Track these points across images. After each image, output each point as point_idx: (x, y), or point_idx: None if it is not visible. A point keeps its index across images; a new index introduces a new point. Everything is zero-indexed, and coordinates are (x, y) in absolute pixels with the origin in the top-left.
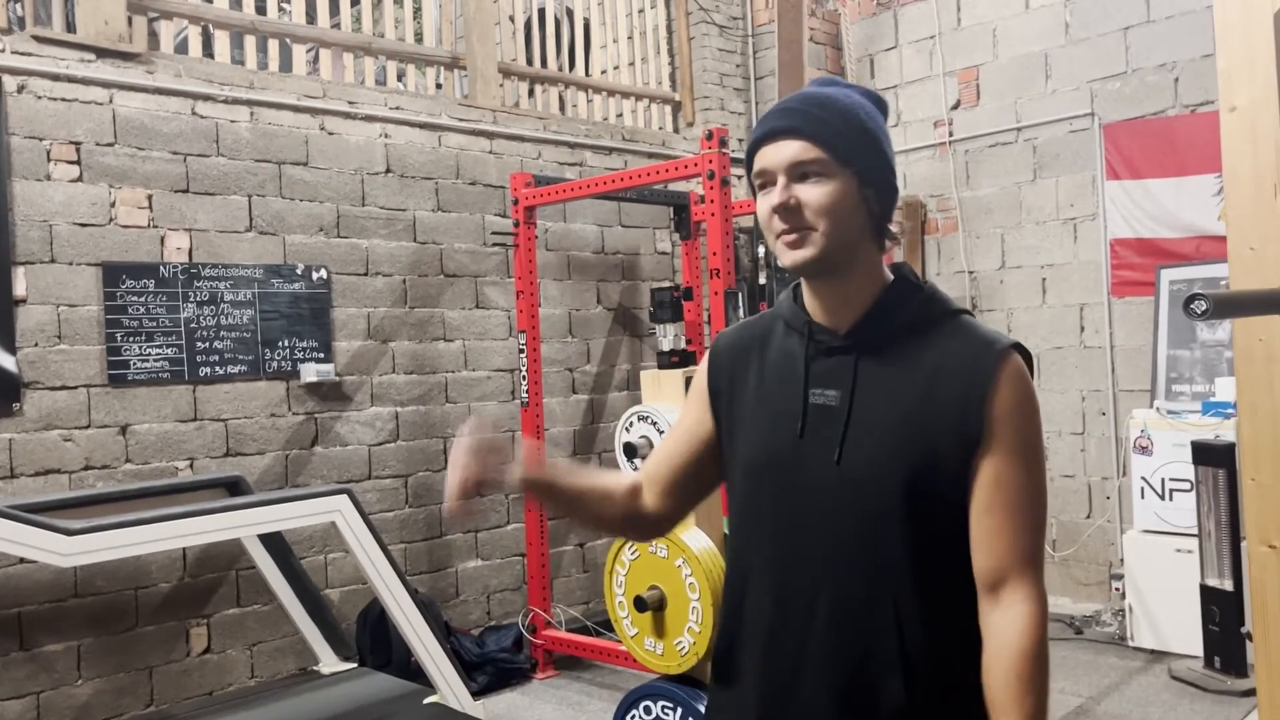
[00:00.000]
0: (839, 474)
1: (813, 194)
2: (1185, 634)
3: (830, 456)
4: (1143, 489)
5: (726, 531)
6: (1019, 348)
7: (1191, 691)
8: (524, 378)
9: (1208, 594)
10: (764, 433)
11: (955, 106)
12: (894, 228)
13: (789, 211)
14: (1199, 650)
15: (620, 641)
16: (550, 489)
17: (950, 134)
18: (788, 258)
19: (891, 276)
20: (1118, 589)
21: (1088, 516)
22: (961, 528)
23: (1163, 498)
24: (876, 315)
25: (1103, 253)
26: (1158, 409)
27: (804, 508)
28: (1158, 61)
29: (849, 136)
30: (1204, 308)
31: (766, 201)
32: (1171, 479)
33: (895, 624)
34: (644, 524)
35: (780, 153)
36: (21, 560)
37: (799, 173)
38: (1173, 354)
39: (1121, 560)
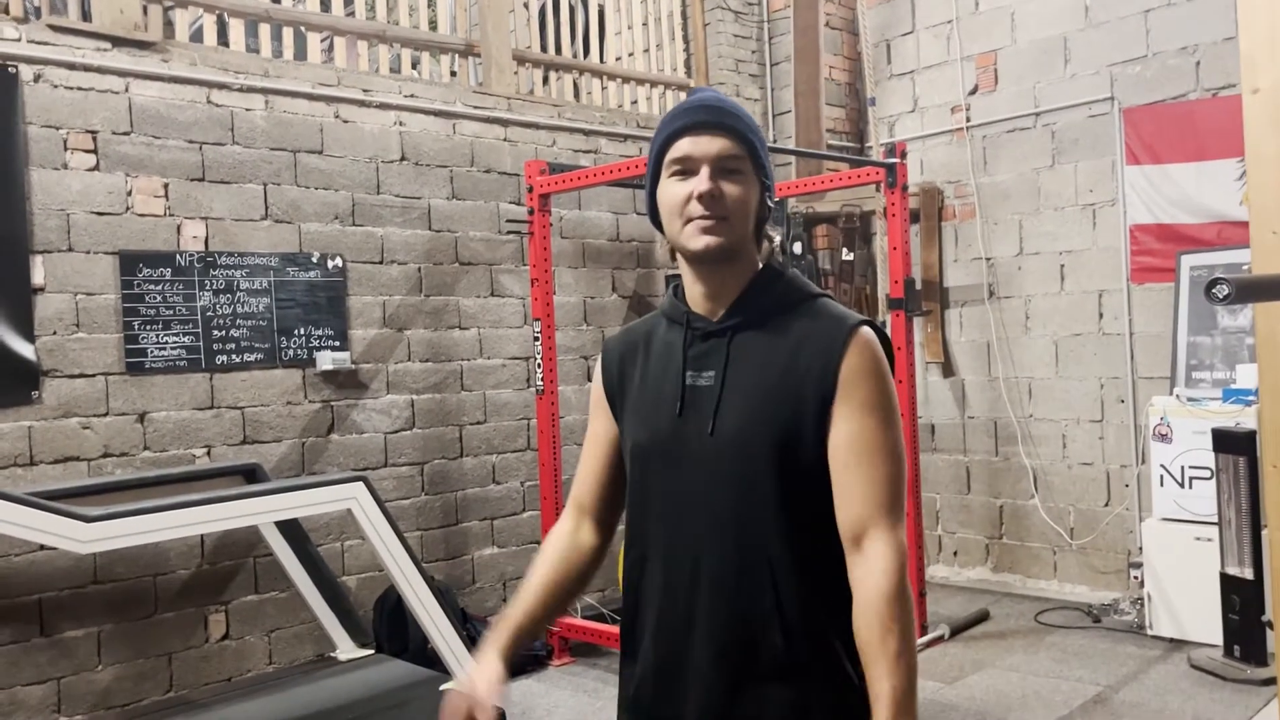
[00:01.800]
0: (713, 445)
1: (733, 188)
2: (1205, 622)
3: (706, 429)
4: (1162, 477)
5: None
6: (870, 323)
7: (1211, 680)
8: (539, 365)
9: (1228, 582)
10: (648, 417)
11: (973, 92)
12: (771, 230)
13: (713, 200)
14: (1218, 639)
15: None
16: (527, 636)
17: (968, 119)
18: (700, 241)
19: (760, 267)
20: (1136, 577)
21: (1106, 504)
22: (826, 490)
23: (1182, 485)
24: (746, 300)
25: (1122, 239)
26: (1178, 396)
27: (686, 482)
28: (1178, 45)
29: (761, 144)
30: (1226, 292)
31: (685, 187)
32: (1191, 466)
33: (771, 584)
34: (600, 556)
35: (709, 145)
36: (42, 547)
37: (723, 167)
38: (1193, 340)
39: (1140, 548)
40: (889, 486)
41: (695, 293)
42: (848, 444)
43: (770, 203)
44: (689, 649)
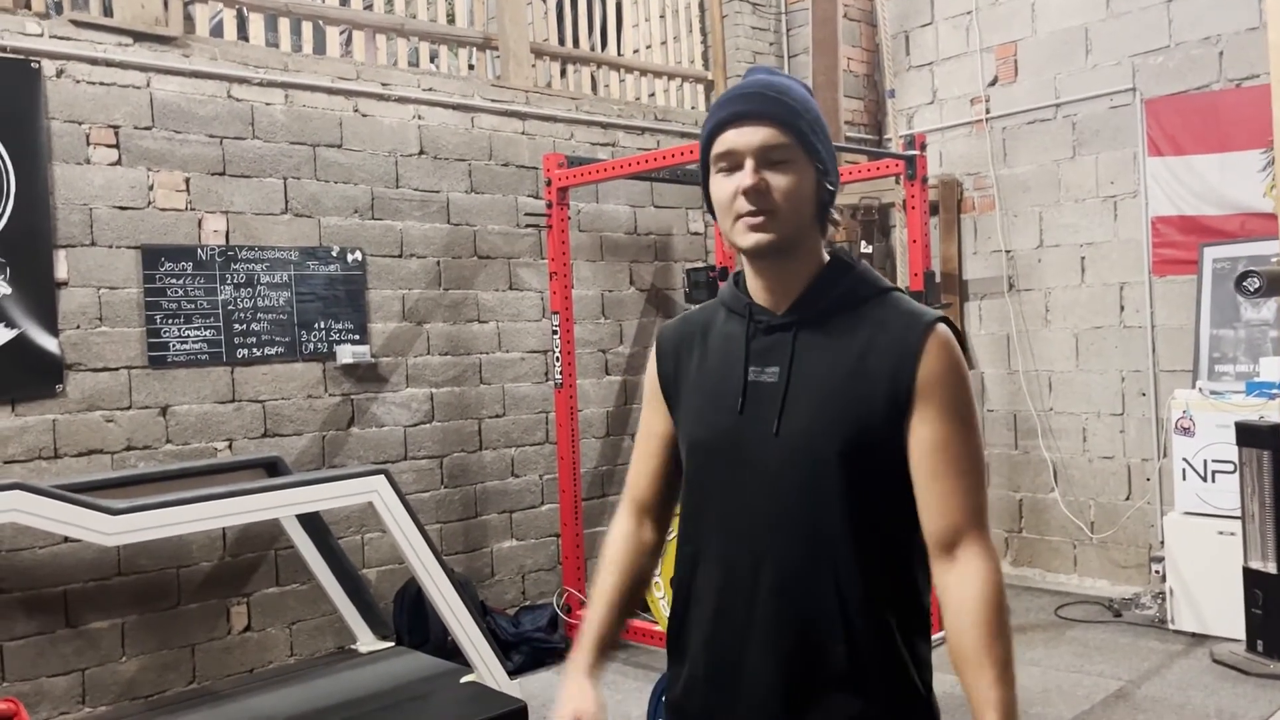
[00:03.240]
0: (778, 445)
1: (780, 179)
2: (1227, 617)
3: (770, 429)
4: (1184, 470)
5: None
6: (946, 320)
7: (1233, 675)
8: (557, 359)
9: (1250, 577)
10: (707, 411)
11: (992, 83)
12: (836, 216)
13: (759, 194)
14: (1241, 634)
15: (655, 622)
16: (609, 649)
17: (987, 111)
18: (749, 239)
19: (827, 258)
20: (1158, 571)
21: (1127, 498)
22: (896, 495)
23: (1205, 479)
24: (813, 294)
25: (1144, 231)
26: (1200, 389)
27: (747, 481)
28: (1201, 35)
29: (812, 127)
30: (1258, 285)
31: (731, 182)
32: (1214, 460)
33: (835, 590)
34: (660, 551)
35: (750, 136)
36: (67, 539)
37: (768, 158)
38: (1216, 333)
39: (1162, 542)
40: (980, 495)
41: (757, 285)
42: (934, 451)
43: (830, 186)
44: (745, 654)
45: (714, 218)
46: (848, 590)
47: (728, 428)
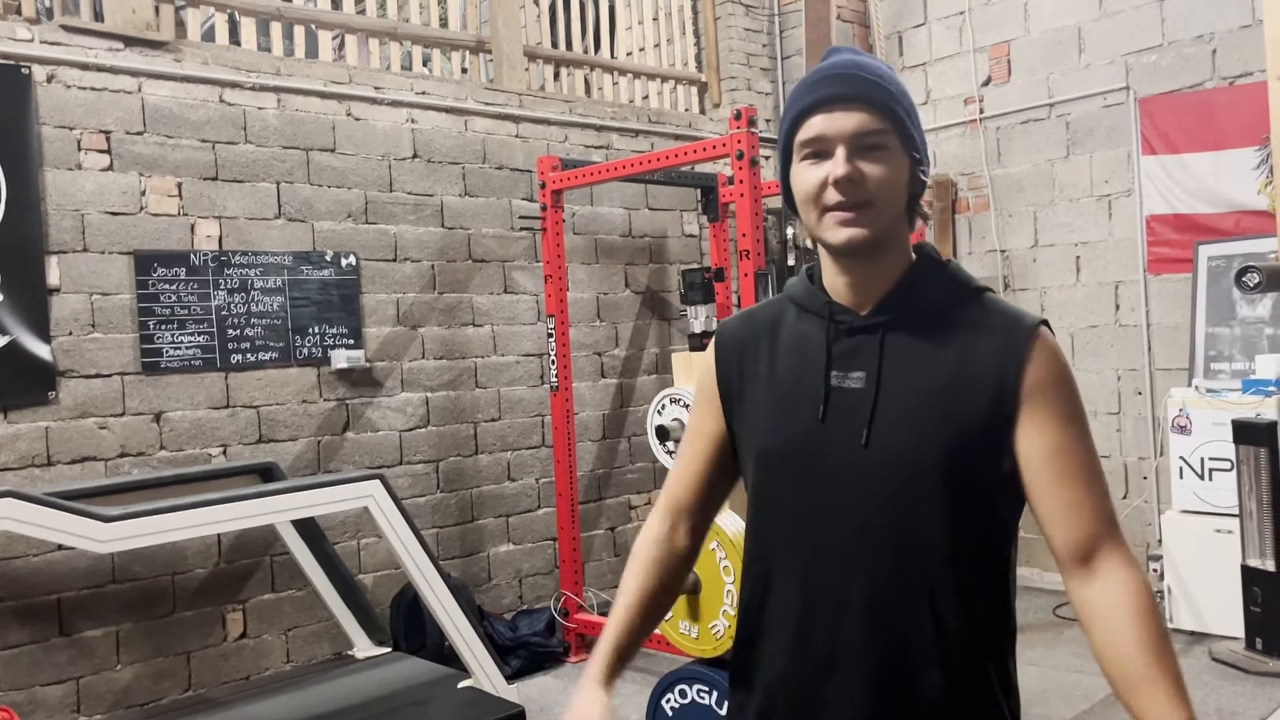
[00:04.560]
0: (868, 458)
1: (875, 169)
2: (1226, 615)
3: (857, 440)
4: (1181, 469)
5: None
6: (1047, 324)
7: (1233, 673)
8: (553, 362)
9: (1249, 574)
10: (782, 419)
11: (986, 83)
12: (925, 208)
13: (852, 185)
14: (1240, 632)
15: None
16: (628, 657)
17: (981, 111)
18: (840, 235)
19: (914, 256)
20: (1155, 570)
21: (1124, 497)
22: (994, 510)
23: (1202, 478)
24: (902, 293)
25: (1138, 229)
26: (1196, 387)
27: (830, 495)
28: (1194, 33)
29: (908, 112)
30: (1257, 280)
31: (819, 172)
32: (1211, 458)
33: (932, 613)
34: (693, 561)
35: (843, 121)
36: (60, 547)
37: (862, 144)
38: (1211, 331)
39: (1159, 541)
40: (1108, 500)
41: (838, 283)
42: (1055, 457)
43: (924, 177)
44: (830, 685)
45: (792, 211)
46: (944, 612)
47: (808, 438)
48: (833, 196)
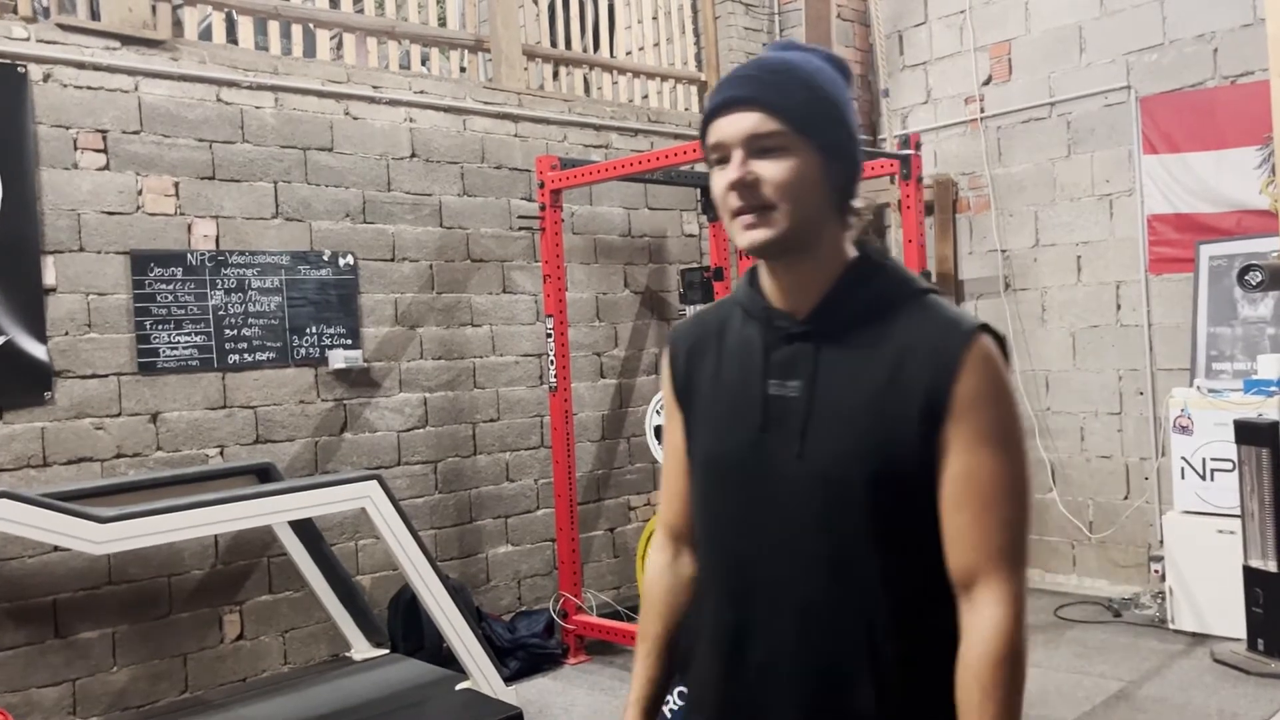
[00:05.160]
0: (801, 469)
1: (771, 170)
2: (1227, 616)
3: (792, 451)
4: (1183, 469)
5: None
6: (988, 329)
7: (1234, 674)
8: (551, 362)
9: (1251, 575)
10: (722, 428)
11: (986, 82)
12: (859, 203)
13: (746, 188)
14: (1242, 633)
15: None
16: (660, 699)
17: (982, 110)
18: (745, 238)
19: (854, 254)
20: (1157, 571)
21: (1125, 498)
22: (932, 523)
23: (1204, 478)
24: (837, 297)
25: (1140, 229)
26: (1198, 387)
27: (766, 506)
28: (1195, 32)
29: (810, 105)
30: (1260, 279)
31: (722, 177)
32: (1213, 459)
33: (865, 627)
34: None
35: (736, 125)
36: (56, 548)
37: (757, 146)
38: (1213, 331)
39: (1161, 542)
40: (1009, 531)
41: (772, 285)
42: (963, 481)
43: (845, 170)
44: (762, 698)
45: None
46: (877, 629)
47: (747, 445)
48: (734, 201)
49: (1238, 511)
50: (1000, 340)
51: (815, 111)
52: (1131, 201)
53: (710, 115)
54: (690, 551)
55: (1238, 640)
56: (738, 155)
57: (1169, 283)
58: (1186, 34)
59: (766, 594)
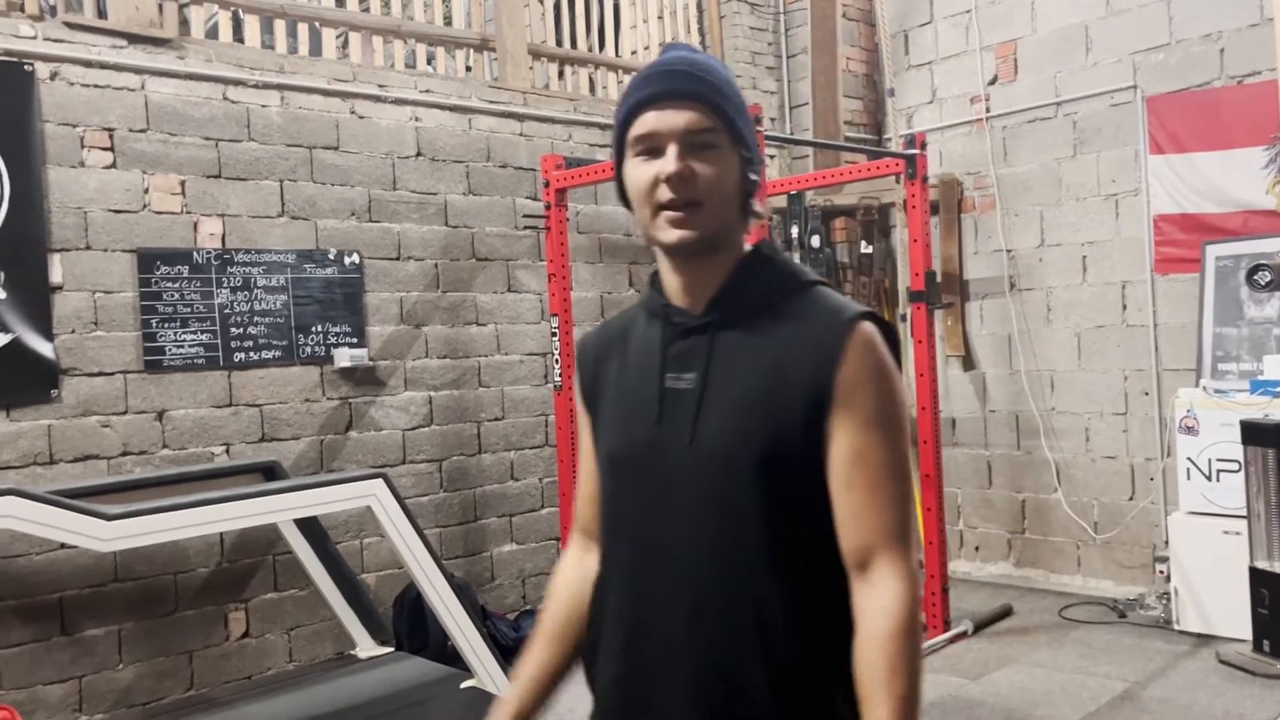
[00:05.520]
0: (694, 458)
1: (707, 167)
2: (1233, 617)
3: (684, 438)
4: (1188, 470)
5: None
6: (872, 316)
7: (1240, 676)
8: (556, 361)
9: (1257, 576)
10: (623, 423)
11: (992, 82)
12: (759, 207)
13: (683, 182)
14: (1247, 634)
15: None
16: (546, 693)
17: (987, 110)
18: (671, 234)
19: (746, 250)
20: (1162, 572)
21: (1130, 498)
22: (822, 508)
23: (1209, 479)
24: (730, 290)
25: (1146, 229)
26: (1204, 388)
27: (662, 498)
28: (1202, 32)
29: (736, 108)
30: (1269, 279)
31: (650, 169)
32: (1219, 459)
33: (755, 616)
34: None
35: (675, 118)
36: (63, 545)
37: (693, 142)
38: (1219, 332)
39: (1166, 542)
40: (898, 510)
41: (674, 283)
42: (848, 461)
43: (754, 176)
44: (657, 690)
45: (626, 207)
46: (768, 615)
47: (643, 439)
48: (665, 194)
49: (1243, 512)
50: (885, 326)
51: (740, 114)
52: (1137, 201)
53: (641, 105)
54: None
55: (1243, 641)
56: (674, 149)
57: (1175, 283)
58: (1193, 34)
59: (661, 585)
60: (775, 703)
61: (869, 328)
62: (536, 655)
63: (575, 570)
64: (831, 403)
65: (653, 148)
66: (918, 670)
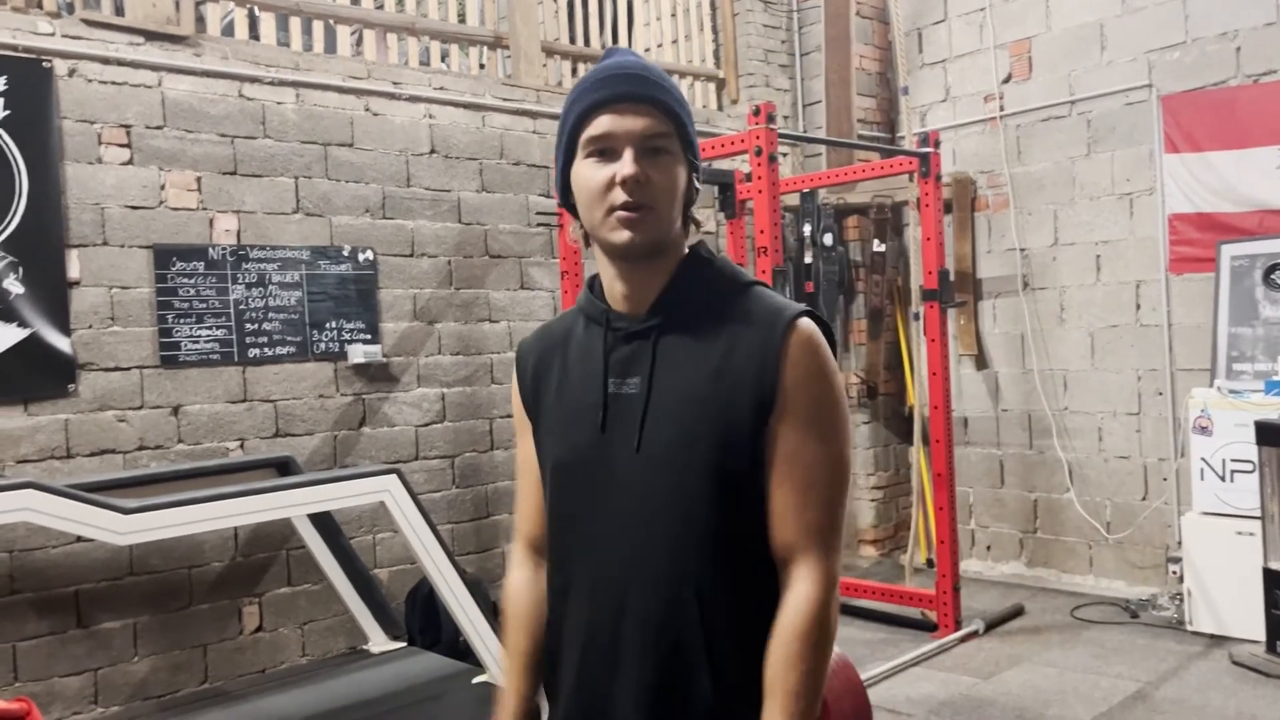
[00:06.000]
0: (641, 462)
1: (660, 172)
2: (1246, 618)
3: (630, 445)
4: (1202, 470)
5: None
6: (811, 315)
7: (1253, 677)
8: None
9: (1270, 577)
10: (567, 431)
11: (1006, 80)
12: (698, 215)
13: (639, 186)
14: (1260, 635)
15: None
16: (536, 713)
17: (1001, 108)
18: (621, 235)
19: (684, 254)
20: (1175, 572)
21: (1143, 499)
22: (768, 509)
23: (1223, 479)
24: (671, 294)
25: (1160, 228)
26: (1219, 388)
27: (609, 504)
28: (1218, 30)
29: (689, 116)
30: None
31: (605, 171)
32: (1233, 460)
33: (699, 616)
34: None
35: (631, 122)
36: (79, 539)
37: (648, 146)
38: (1234, 332)
39: (1179, 543)
40: (825, 510)
41: (615, 288)
42: (786, 462)
43: (698, 184)
44: (613, 693)
45: (568, 209)
46: (714, 621)
47: (588, 447)
48: (619, 196)
49: (1258, 513)
50: (823, 325)
51: (690, 121)
52: (1152, 201)
53: (595, 106)
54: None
55: (1257, 643)
56: (629, 153)
57: (1190, 282)
58: (1209, 32)
59: (612, 589)
60: (720, 704)
61: (807, 324)
62: (519, 689)
63: (532, 590)
64: (773, 402)
65: (607, 149)
66: (818, 667)
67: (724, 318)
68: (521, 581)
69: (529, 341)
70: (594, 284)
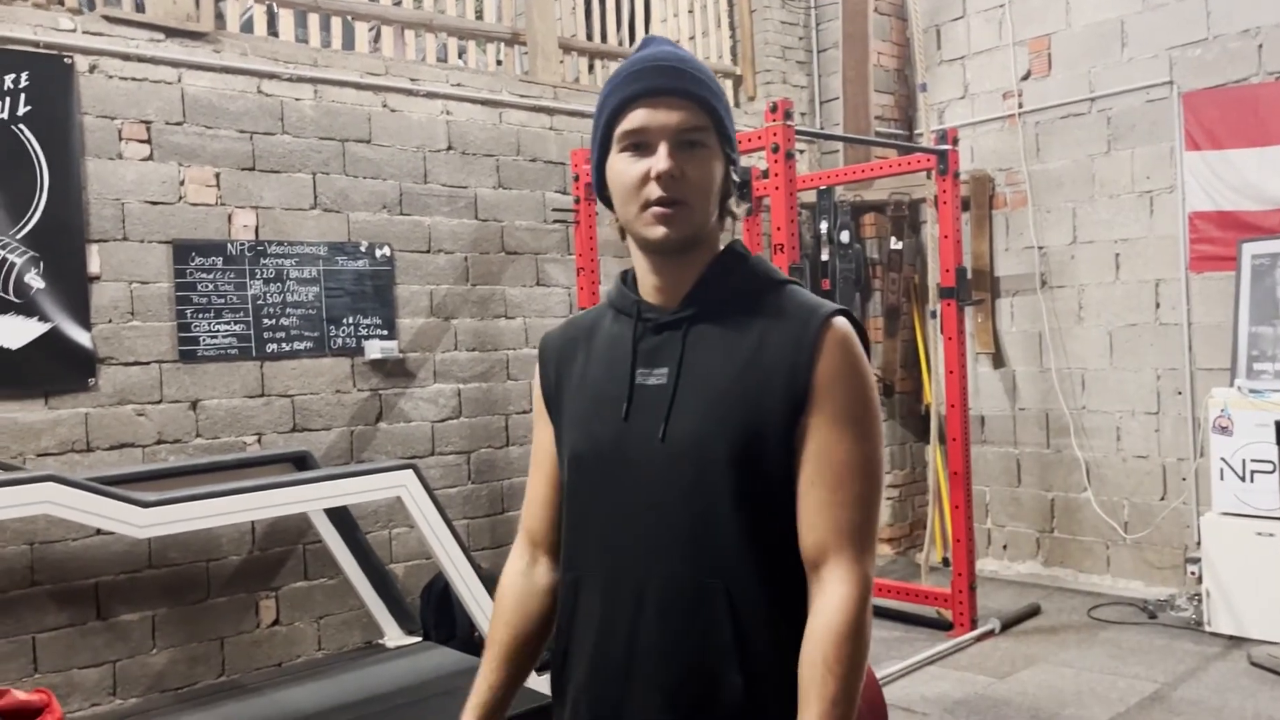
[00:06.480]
0: (664, 452)
1: (696, 167)
2: (1266, 619)
3: (655, 435)
4: (1222, 470)
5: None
6: (845, 314)
7: (1272, 678)
8: None
9: None
10: (588, 421)
11: (1025, 77)
12: (736, 208)
13: (674, 181)
14: None
15: None
16: (503, 707)
17: (1020, 105)
18: (657, 231)
19: (719, 249)
20: (1193, 573)
21: (1162, 499)
22: (794, 505)
23: (1243, 479)
24: (704, 287)
25: (1180, 226)
26: (1239, 388)
27: (631, 495)
28: (1240, 27)
29: (727, 109)
30: None
31: (640, 165)
32: (1253, 460)
33: (729, 611)
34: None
35: (667, 115)
36: (99, 531)
37: (684, 140)
38: (1255, 331)
39: (1198, 543)
40: (858, 510)
41: (649, 282)
42: (817, 461)
43: (736, 177)
44: (630, 693)
45: (604, 202)
46: (744, 616)
47: (611, 437)
48: (654, 191)
49: (1278, 514)
50: (857, 325)
51: (728, 114)
52: (1172, 198)
53: (631, 100)
54: (548, 559)
55: (1276, 644)
56: (664, 147)
57: (1210, 281)
58: (1231, 29)
59: (631, 583)
60: (751, 703)
61: (843, 324)
62: (490, 679)
63: (522, 583)
64: (806, 400)
65: (642, 143)
66: (855, 674)
67: (757, 313)
68: (514, 573)
69: (553, 334)
70: (627, 277)
